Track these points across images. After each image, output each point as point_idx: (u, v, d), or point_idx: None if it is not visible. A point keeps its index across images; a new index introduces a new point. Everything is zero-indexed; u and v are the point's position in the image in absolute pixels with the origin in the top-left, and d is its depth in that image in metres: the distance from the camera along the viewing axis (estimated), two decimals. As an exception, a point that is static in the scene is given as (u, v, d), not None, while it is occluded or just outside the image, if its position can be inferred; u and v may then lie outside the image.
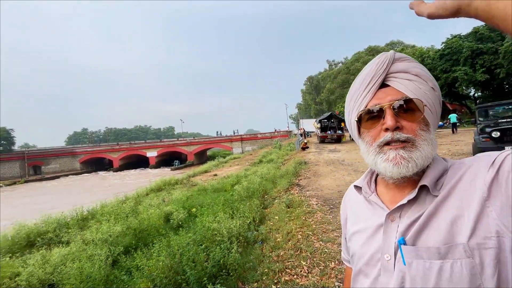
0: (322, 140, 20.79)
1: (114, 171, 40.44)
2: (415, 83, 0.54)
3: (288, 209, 4.69)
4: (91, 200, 10.30)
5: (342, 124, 21.61)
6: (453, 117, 16.77)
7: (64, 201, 15.98)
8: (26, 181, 34.18)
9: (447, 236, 0.47)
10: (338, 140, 20.31)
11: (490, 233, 0.44)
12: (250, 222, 4.32)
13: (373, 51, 52.39)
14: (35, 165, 41.33)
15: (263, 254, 3.23)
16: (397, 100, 0.53)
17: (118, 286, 2.90)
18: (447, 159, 0.58)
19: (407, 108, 0.53)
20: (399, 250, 0.51)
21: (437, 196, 0.51)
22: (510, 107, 7.53)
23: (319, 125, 21.81)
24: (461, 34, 26.47)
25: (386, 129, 0.53)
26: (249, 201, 5.84)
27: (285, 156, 16.34)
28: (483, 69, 22.86)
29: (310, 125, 37.81)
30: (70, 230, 5.58)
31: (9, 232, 5.67)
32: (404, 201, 0.53)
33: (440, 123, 25.28)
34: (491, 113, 7.91)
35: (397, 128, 0.52)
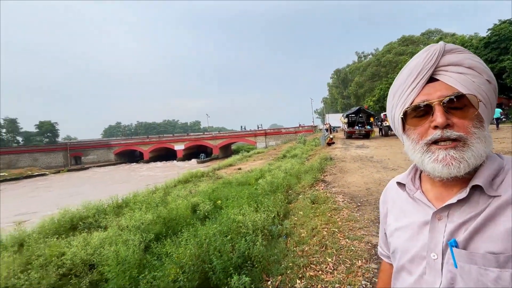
0: (349, 136, 20.10)
1: (144, 163, 42.74)
2: (468, 77, 0.50)
3: (313, 205, 4.63)
4: (125, 189, 11.02)
5: (371, 119, 20.67)
6: (496, 112, 15.35)
7: (102, 189, 17.29)
8: (68, 170, 37.43)
9: (506, 244, 0.43)
10: (367, 135, 19.48)
11: None
12: (274, 216, 4.34)
13: (407, 41, 48.99)
14: (76, 156, 45.02)
15: (287, 248, 3.24)
16: (448, 96, 0.49)
17: (150, 270, 3.09)
18: (503, 156, 0.52)
19: (459, 104, 0.49)
20: (448, 251, 0.49)
21: (492, 196, 0.47)
22: None
23: (346, 120, 21.08)
24: None
25: (435, 127, 0.49)
26: (273, 196, 5.86)
27: (310, 151, 16.07)
28: (537, 58, 20.44)
29: (336, 119, 36.70)
30: (107, 216, 6.03)
31: (55, 216, 6.27)
32: (454, 200, 0.50)
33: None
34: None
35: (447, 126, 0.48)
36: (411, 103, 0.53)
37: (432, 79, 0.52)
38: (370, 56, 64.27)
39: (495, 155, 0.53)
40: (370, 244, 2.95)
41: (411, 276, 0.55)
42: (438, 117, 0.48)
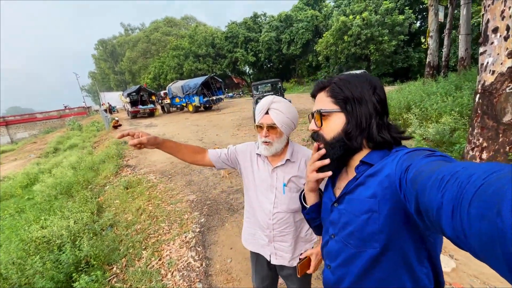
0: (134, 115, 19.69)
1: None
2: (279, 115, 1.09)
3: (128, 190, 4.76)
4: None
5: (153, 97, 21.37)
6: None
7: None
8: None
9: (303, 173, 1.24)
10: (151, 114, 20.14)
11: None
12: (88, 216, 4.00)
13: (170, 23, 52.95)
14: None
15: (119, 235, 3.36)
16: (268, 124, 1.11)
17: None
18: (291, 141, 1.23)
19: (273, 127, 1.12)
20: (282, 186, 1.19)
21: (294, 161, 1.19)
22: (268, 84, 11.44)
23: (128, 99, 20.16)
24: (237, 22, 33.18)
25: (263, 135, 1.13)
26: (69, 198, 5.16)
27: (93, 138, 14.05)
28: (252, 52, 30.77)
29: (114, 98, 33.55)
30: None
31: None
32: (278, 164, 1.19)
33: (231, 94, 31.70)
34: (259, 88, 11.57)
35: (266, 136, 1.13)
36: (258, 121, 1.13)
37: (267, 113, 1.10)
38: (138, 31, 62.50)
39: (291, 143, 1.22)
40: (189, 201, 3.89)
41: (259, 192, 1.24)
42: (264, 131, 1.11)
